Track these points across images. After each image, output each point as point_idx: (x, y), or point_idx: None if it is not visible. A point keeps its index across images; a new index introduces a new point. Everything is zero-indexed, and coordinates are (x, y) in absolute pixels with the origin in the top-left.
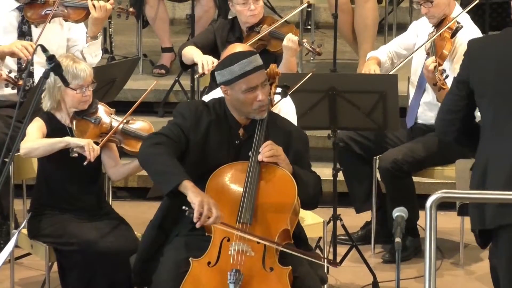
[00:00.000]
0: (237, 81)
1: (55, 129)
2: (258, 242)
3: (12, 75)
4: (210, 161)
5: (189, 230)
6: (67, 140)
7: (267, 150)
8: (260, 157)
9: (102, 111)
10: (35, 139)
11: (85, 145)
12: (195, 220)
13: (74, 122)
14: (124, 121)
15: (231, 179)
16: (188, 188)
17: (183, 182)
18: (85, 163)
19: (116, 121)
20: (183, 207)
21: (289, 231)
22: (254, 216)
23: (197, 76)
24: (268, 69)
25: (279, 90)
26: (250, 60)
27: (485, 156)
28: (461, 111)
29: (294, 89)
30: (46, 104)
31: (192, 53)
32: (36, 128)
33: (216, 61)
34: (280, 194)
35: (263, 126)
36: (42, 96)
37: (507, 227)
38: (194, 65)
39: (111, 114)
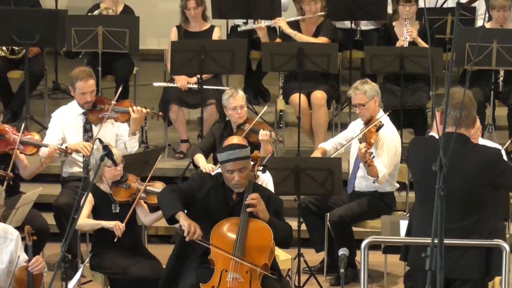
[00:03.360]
0: (223, 164)
1: (100, 197)
2: (246, 272)
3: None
4: (211, 214)
5: (199, 263)
6: (102, 223)
7: (252, 197)
8: (246, 201)
9: (130, 179)
10: (84, 217)
11: (113, 227)
12: (185, 235)
13: (112, 189)
14: (146, 184)
15: (228, 228)
16: (181, 216)
17: (178, 213)
18: (115, 240)
19: (140, 185)
20: (178, 227)
21: (267, 265)
22: (243, 254)
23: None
24: (252, 154)
25: (261, 168)
26: (234, 152)
27: (412, 221)
28: None
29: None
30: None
31: (198, 161)
32: (87, 202)
33: (214, 168)
34: (261, 239)
35: (249, 193)
36: (90, 173)
37: (419, 270)
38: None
39: (137, 181)
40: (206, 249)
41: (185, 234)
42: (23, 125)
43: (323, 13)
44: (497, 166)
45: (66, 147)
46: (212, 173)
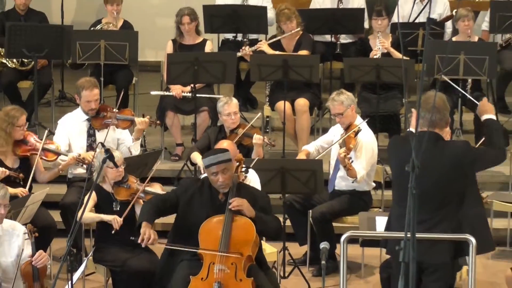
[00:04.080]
0: (207, 168)
1: (102, 195)
2: (232, 263)
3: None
4: (199, 214)
5: (190, 256)
6: (101, 217)
7: (234, 202)
8: (230, 206)
9: (131, 180)
10: (87, 211)
11: (111, 220)
12: (139, 241)
13: (114, 189)
14: (145, 185)
15: (214, 225)
16: (142, 225)
17: (143, 222)
18: (113, 232)
19: (140, 186)
20: (132, 238)
21: (251, 256)
22: (228, 248)
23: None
24: (236, 156)
25: (243, 169)
26: (217, 156)
27: (391, 215)
28: None
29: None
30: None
31: (195, 158)
32: (90, 199)
33: None
34: (245, 234)
35: (233, 193)
36: (94, 174)
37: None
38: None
39: (136, 181)
40: (195, 245)
41: (139, 241)
42: (45, 132)
43: (299, 29)
44: (465, 158)
45: (79, 154)
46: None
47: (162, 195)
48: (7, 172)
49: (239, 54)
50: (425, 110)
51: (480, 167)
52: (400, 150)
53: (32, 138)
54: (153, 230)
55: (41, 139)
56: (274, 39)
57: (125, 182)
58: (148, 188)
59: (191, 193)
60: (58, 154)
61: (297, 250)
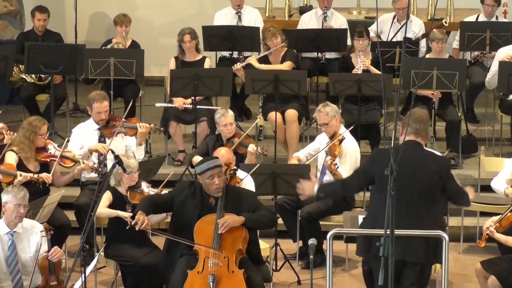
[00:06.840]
0: (202, 174)
1: (117, 197)
2: (224, 257)
3: (95, 165)
4: (188, 214)
5: (188, 251)
6: (117, 213)
7: (221, 228)
8: (219, 232)
9: (144, 185)
10: (103, 207)
11: (127, 217)
12: (133, 224)
13: (128, 192)
14: (157, 193)
15: (207, 224)
16: (138, 213)
17: (139, 211)
18: (128, 227)
19: (152, 191)
20: (128, 221)
21: (242, 250)
22: (220, 244)
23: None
24: (224, 160)
25: (231, 172)
26: (211, 162)
27: (373, 214)
28: (354, 187)
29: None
30: (112, 182)
31: (197, 161)
32: (105, 197)
33: None
34: (234, 231)
35: (223, 197)
36: (111, 177)
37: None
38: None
39: (149, 187)
40: (191, 240)
41: (133, 223)
42: (64, 142)
43: (283, 44)
44: (448, 171)
45: (94, 163)
46: None
47: (159, 195)
48: (28, 177)
49: (231, 69)
50: (411, 120)
51: (449, 186)
52: (386, 160)
53: (52, 146)
54: (147, 217)
55: (60, 147)
56: (262, 54)
57: (138, 187)
58: (159, 194)
59: (185, 195)
60: (74, 161)
61: (289, 246)
